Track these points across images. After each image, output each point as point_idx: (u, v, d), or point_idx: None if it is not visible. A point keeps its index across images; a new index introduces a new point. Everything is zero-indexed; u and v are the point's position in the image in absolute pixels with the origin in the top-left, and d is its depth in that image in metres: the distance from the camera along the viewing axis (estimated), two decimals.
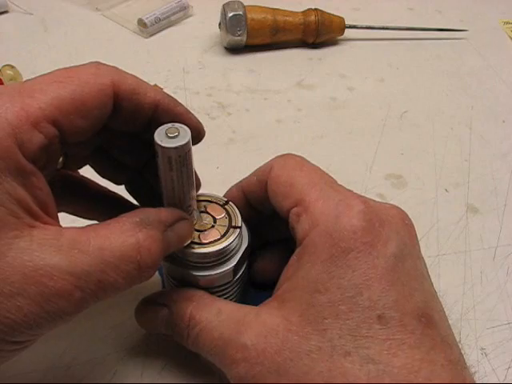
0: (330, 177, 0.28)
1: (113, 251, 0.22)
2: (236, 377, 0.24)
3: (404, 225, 0.26)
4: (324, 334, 0.23)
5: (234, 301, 0.33)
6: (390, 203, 0.27)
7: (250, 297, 0.33)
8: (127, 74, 0.26)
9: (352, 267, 0.23)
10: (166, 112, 0.27)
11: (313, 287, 0.24)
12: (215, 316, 0.26)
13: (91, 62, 0.25)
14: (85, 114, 0.23)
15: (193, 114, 0.29)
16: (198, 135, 0.29)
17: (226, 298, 0.32)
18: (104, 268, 0.22)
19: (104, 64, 0.26)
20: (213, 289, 0.31)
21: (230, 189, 0.32)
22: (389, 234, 0.24)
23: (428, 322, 0.23)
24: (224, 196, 0.32)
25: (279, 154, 0.48)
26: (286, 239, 0.30)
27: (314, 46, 0.59)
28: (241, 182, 0.32)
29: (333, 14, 0.58)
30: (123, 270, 0.22)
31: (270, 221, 0.32)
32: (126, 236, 0.23)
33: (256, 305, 0.27)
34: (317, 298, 0.23)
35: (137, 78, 0.26)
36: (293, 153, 0.30)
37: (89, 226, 0.23)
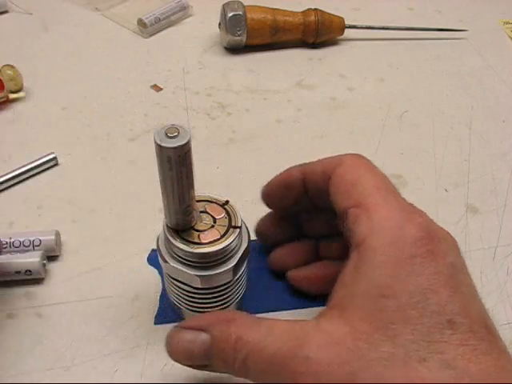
0: (393, 185, 0.28)
1: None
2: None
3: (455, 244, 0.26)
4: (395, 339, 0.22)
5: (234, 301, 0.33)
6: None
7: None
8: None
9: (416, 272, 0.23)
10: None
11: (377, 292, 0.23)
12: (266, 334, 0.24)
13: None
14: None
15: None
16: None
17: (225, 298, 0.32)
18: None
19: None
20: (213, 289, 0.31)
21: (290, 169, 0.33)
22: (445, 247, 0.25)
23: (490, 330, 0.23)
24: (279, 174, 0.33)
25: (279, 154, 0.48)
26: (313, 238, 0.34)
27: (314, 45, 0.59)
28: (303, 165, 0.32)
29: (333, 14, 0.58)
30: None
31: (313, 214, 0.33)
32: None
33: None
34: (383, 302, 0.23)
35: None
36: (353, 154, 0.31)
37: None
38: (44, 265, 0.36)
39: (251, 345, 0.24)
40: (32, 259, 0.35)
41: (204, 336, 0.26)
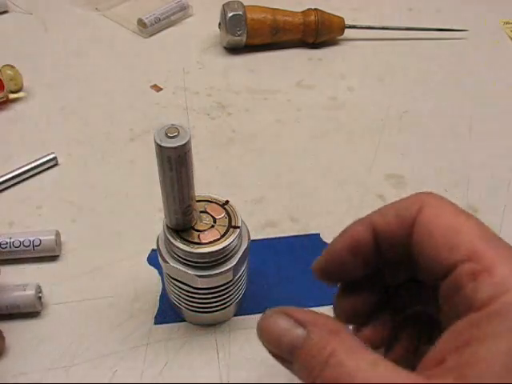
0: (489, 228, 0.24)
1: None
2: None
3: None
4: None
5: (234, 301, 0.33)
6: None
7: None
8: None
9: None
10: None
11: (501, 366, 0.19)
12: (370, 367, 0.21)
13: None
14: None
15: None
16: None
17: (225, 298, 0.32)
18: None
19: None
20: (213, 289, 0.31)
21: (353, 228, 0.26)
22: None
23: None
24: (340, 239, 0.26)
25: (279, 153, 0.48)
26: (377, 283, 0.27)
27: (314, 46, 0.59)
28: (369, 217, 0.26)
29: (333, 14, 0.58)
30: None
31: (392, 266, 0.27)
32: None
33: None
34: (507, 378, 0.19)
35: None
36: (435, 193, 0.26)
37: None
38: (40, 298, 0.35)
39: (349, 369, 0.21)
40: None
41: (300, 332, 0.23)
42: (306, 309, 0.24)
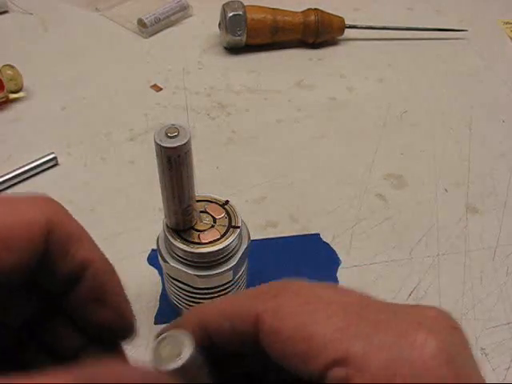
0: (346, 297, 0.20)
1: None
2: None
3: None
4: None
5: None
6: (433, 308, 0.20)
7: None
8: (70, 220, 0.21)
9: None
10: (94, 280, 0.21)
11: None
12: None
13: (34, 196, 0.21)
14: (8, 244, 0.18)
15: (126, 305, 0.22)
16: (125, 332, 0.21)
17: None
18: None
19: (49, 201, 0.22)
20: (213, 289, 0.31)
21: (183, 323, 0.22)
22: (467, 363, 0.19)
23: None
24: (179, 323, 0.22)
25: (279, 153, 0.48)
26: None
27: (314, 46, 0.59)
28: (201, 316, 0.22)
29: (333, 14, 0.58)
30: None
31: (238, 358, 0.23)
32: None
33: None
34: None
35: (79, 227, 0.21)
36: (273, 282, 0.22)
37: None
38: None
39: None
40: None
41: None
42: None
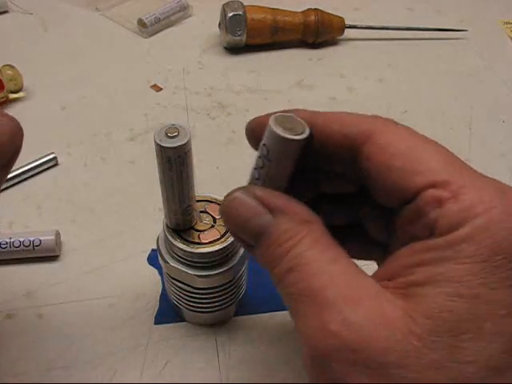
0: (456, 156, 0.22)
1: None
2: (316, 349, 0.19)
3: None
4: (454, 351, 0.18)
5: (234, 301, 0.33)
6: None
7: None
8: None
9: (510, 280, 0.18)
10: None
11: (455, 289, 0.18)
12: (327, 263, 0.20)
13: None
14: None
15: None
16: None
17: (225, 298, 0.32)
18: None
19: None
20: (213, 289, 0.31)
21: (296, 110, 0.24)
22: None
23: None
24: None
25: None
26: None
27: (314, 45, 0.59)
28: (315, 114, 0.23)
29: (333, 14, 0.58)
30: None
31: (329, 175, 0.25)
32: None
33: None
34: (457, 303, 0.18)
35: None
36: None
37: None
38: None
39: (305, 261, 0.20)
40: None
41: (268, 219, 0.21)
42: (277, 192, 0.22)
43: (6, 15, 0.62)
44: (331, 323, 0.18)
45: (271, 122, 0.21)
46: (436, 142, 0.22)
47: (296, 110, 0.23)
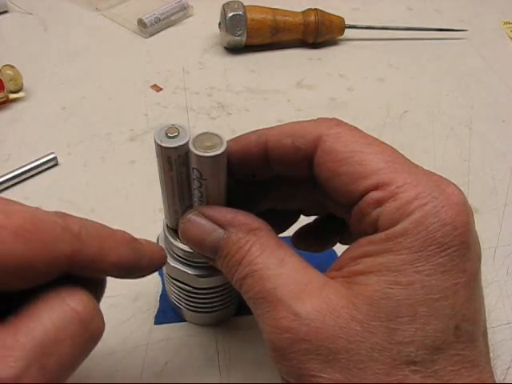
0: (397, 150, 0.24)
1: None
2: (275, 344, 0.21)
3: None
4: (393, 334, 0.20)
5: (234, 301, 0.33)
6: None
7: None
8: (91, 237, 0.25)
9: (443, 266, 0.20)
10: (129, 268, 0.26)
11: (393, 277, 0.20)
12: (276, 265, 0.22)
13: (56, 213, 0.23)
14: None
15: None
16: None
17: (225, 298, 0.32)
18: None
19: (71, 217, 0.23)
20: (213, 289, 0.31)
21: (246, 136, 0.27)
22: (476, 237, 0.22)
23: (485, 338, 0.22)
24: (232, 139, 0.27)
25: None
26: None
27: (314, 45, 0.59)
28: (263, 132, 0.26)
29: (333, 14, 0.58)
30: None
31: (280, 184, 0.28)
32: None
33: None
34: (395, 290, 0.20)
35: (100, 240, 0.25)
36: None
37: None
38: None
39: (257, 267, 0.23)
40: None
41: (220, 233, 0.24)
42: (224, 208, 0.25)
43: (5, 15, 0.62)
44: (283, 320, 0.21)
45: (191, 145, 0.24)
46: (379, 141, 0.24)
47: (246, 135, 0.27)
